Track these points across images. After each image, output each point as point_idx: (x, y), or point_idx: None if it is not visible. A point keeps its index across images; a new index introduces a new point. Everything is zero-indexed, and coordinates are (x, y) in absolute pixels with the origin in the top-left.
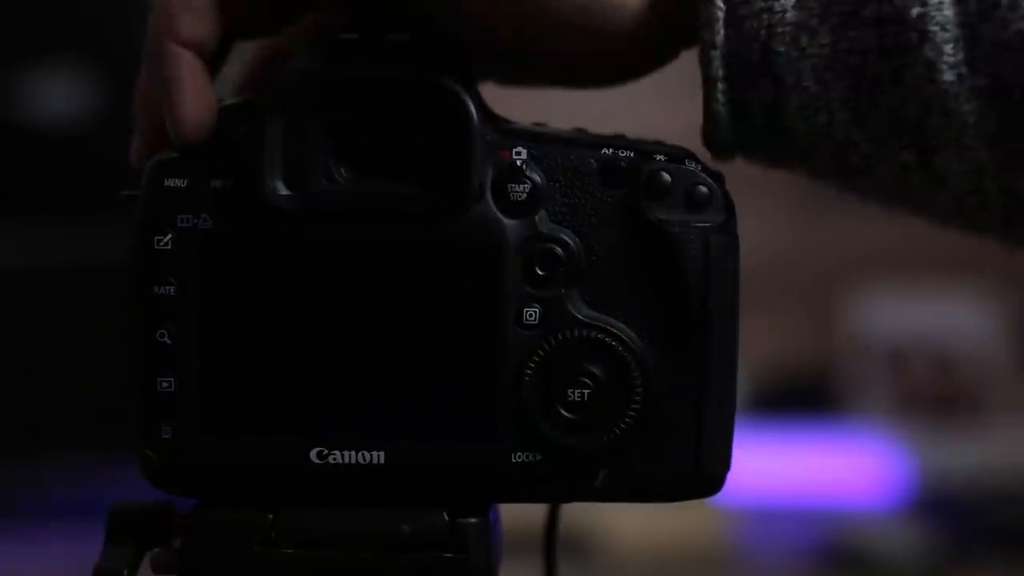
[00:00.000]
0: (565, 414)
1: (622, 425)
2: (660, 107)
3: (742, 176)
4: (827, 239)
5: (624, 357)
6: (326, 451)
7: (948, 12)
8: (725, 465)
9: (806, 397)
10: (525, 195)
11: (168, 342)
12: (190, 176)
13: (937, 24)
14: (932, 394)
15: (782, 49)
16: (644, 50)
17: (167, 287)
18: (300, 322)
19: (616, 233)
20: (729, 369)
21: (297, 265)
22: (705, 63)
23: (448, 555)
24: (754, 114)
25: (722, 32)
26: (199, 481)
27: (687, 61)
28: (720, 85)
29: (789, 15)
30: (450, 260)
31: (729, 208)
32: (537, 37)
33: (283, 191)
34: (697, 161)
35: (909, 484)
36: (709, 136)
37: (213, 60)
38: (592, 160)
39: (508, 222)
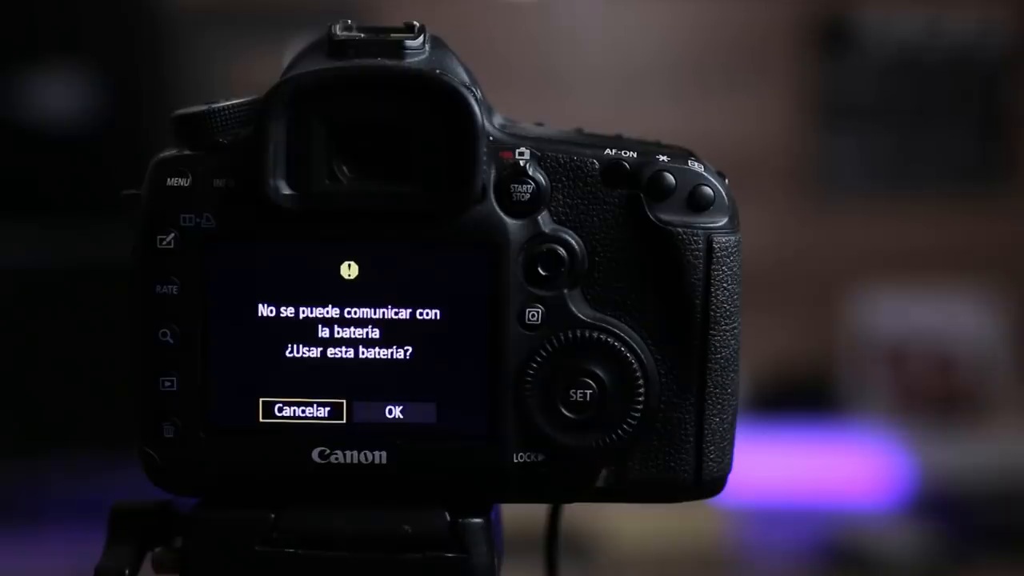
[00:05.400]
0: (567, 414)
1: (624, 426)
2: (659, 107)
3: (743, 176)
4: (827, 239)
5: (626, 358)
6: (328, 451)
7: None
8: (726, 466)
9: (806, 397)
10: (528, 195)
11: (170, 341)
12: (193, 175)
13: None
14: (932, 394)
15: None
16: None
17: (170, 286)
18: (302, 321)
19: (618, 233)
20: (731, 370)
21: (299, 264)
22: None
23: (449, 555)
24: None
25: None
26: (201, 480)
27: (688, 62)
28: None
29: None
30: (452, 259)
31: (732, 208)
32: None
33: (285, 190)
34: (699, 161)
35: (909, 484)
36: None
37: None
38: (595, 160)
39: (510, 222)
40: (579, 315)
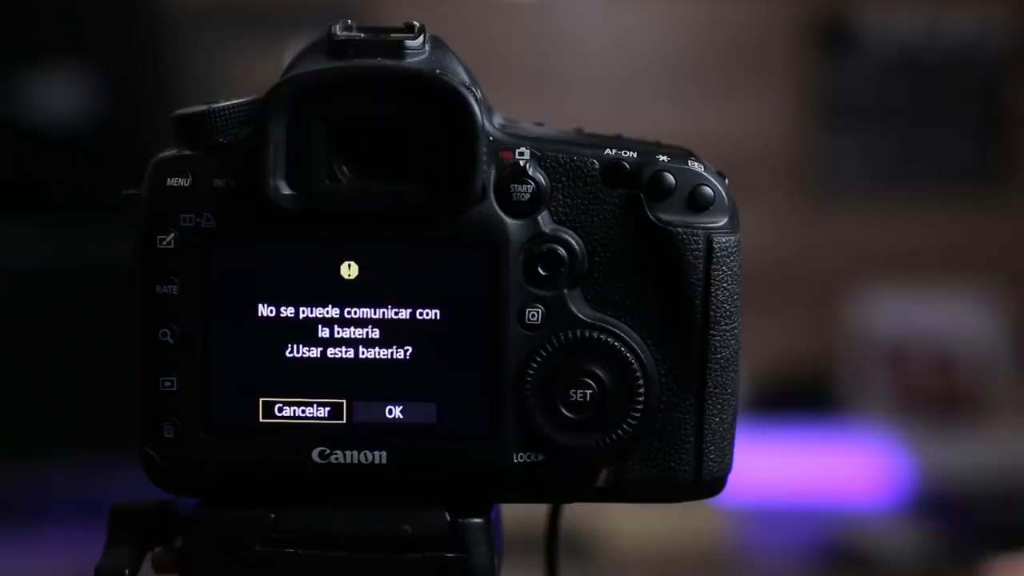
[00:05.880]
0: (567, 414)
1: (624, 426)
2: (659, 107)
3: (743, 176)
4: (827, 239)
5: (626, 357)
6: (328, 451)
7: None
8: (726, 466)
9: (806, 397)
10: (528, 195)
11: (170, 341)
12: (193, 175)
13: None
14: (932, 394)
15: None
16: None
17: (170, 286)
18: (302, 321)
19: (618, 233)
20: (731, 370)
21: (299, 264)
22: None
23: (449, 555)
24: None
25: None
26: (201, 480)
27: (688, 62)
28: None
29: None
30: (452, 259)
31: (732, 208)
32: None
33: (285, 190)
34: (699, 161)
35: (909, 484)
36: None
37: None
38: (595, 160)
39: (510, 222)
40: (579, 315)
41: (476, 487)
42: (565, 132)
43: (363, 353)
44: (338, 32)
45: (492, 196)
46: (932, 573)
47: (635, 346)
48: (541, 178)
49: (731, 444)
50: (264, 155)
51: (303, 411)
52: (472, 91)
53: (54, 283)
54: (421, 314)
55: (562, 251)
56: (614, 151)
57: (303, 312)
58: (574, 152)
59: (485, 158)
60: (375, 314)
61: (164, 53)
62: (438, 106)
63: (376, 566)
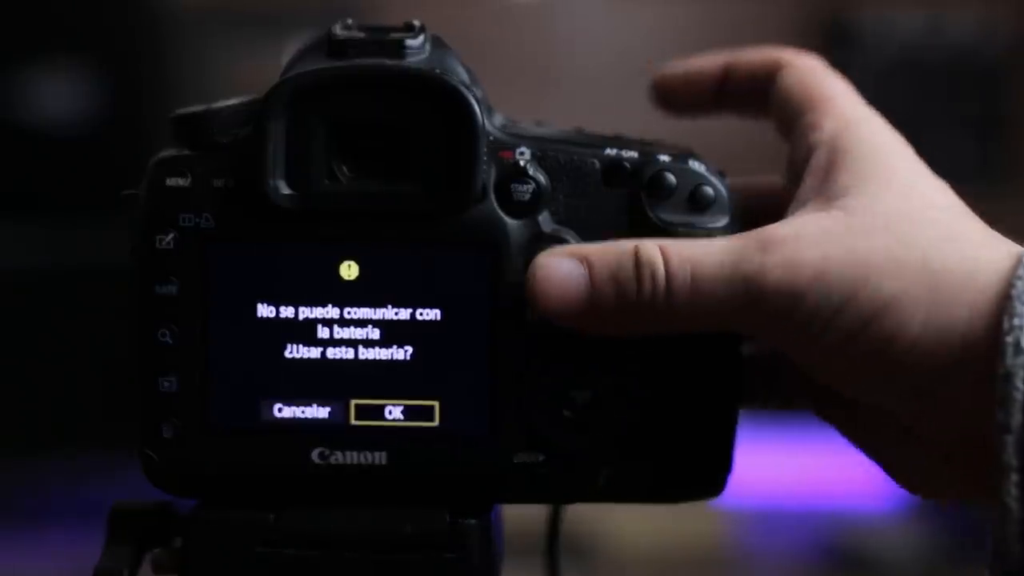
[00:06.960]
0: (567, 414)
1: (624, 426)
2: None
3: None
4: None
5: (626, 357)
6: (328, 451)
7: None
8: (727, 467)
9: None
10: (528, 195)
11: (170, 342)
12: (192, 175)
13: None
14: None
15: None
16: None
17: (169, 287)
18: (302, 322)
19: (619, 234)
20: (731, 370)
21: (299, 264)
22: (999, 448)
23: (449, 556)
24: None
25: (1020, 416)
26: (200, 481)
27: None
28: (1014, 476)
29: None
30: (452, 260)
31: (733, 208)
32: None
33: (285, 190)
34: (700, 160)
35: None
36: (996, 543)
37: None
38: (595, 160)
39: (510, 222)
40: None
41: (476, 487)
42: (565, 132)
43: (363, 353)
44: (338, 32)
45: (492, 196)
46: (932, 574)
47: (635, 346)
48: (541, 178)
49: (732, 444)
50: (263, 155)
51: (303, 411)
52: (472, 91)
53: (54, 283)
54: (421, 314)
55: None
56: (614, 151)
57: (303, 312)
58: (574, 152)
59: (485, 158)
60: (375, 314)
61: (166, 53)
62: (438, 106)
63: (376, 566)
